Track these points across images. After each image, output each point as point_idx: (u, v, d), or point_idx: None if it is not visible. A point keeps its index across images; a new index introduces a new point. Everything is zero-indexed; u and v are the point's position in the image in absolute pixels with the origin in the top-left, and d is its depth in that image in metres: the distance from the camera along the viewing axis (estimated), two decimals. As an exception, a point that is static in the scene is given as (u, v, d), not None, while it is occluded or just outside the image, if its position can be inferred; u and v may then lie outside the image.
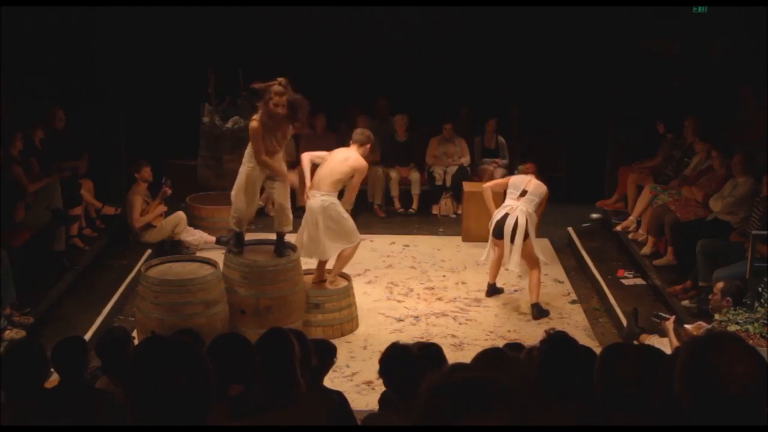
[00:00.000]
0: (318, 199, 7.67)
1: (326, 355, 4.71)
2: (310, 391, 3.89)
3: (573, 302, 8.68)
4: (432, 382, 1.82)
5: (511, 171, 11.77)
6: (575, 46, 11.62)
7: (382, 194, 11.41)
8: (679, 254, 8.63)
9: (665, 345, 6.11)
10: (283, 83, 7.10)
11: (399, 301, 8.55)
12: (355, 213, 8.05)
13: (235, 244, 7.69)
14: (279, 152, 7.41)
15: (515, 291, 8.87)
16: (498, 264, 8.57)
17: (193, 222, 10.03)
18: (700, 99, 10.44)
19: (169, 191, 9.80)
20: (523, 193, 8.24)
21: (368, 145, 7.91)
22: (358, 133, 7.97)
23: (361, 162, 7.74)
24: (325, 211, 7.66)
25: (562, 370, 3.35)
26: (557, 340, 3.61)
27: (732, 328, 6.24)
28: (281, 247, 7.68)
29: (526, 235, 8.09)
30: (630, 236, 9.79)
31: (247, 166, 7.38)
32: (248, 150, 7.38)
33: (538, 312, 8.23)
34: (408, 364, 4.16)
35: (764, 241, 7.29)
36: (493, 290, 8.69)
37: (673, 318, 6.67)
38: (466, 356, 6.07)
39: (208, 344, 3.43)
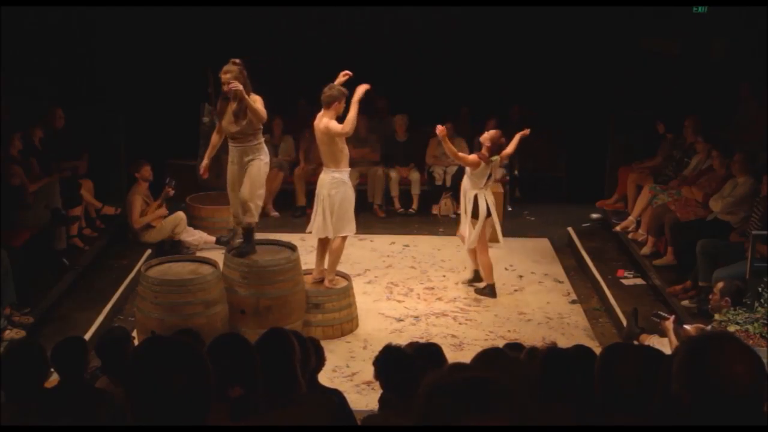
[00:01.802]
0: (329, 174, 7.71)
1: (318, 354, 4.72)
2: (310, 391, 3.90)
3: (573, 302, 8.68)
4: (432, 382, 1.82)
5: (510, 171, 11.80)
6: (575, 46, 11.62)
7: (382, 194, 11.41)
8: (679, 254, 8.62)
9: (665, 345, 6.11)
10: (236, 62, 7.40)
11: (399, 301, 8.55)
12: (355, 213, 8.02)
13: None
14: (236, 131, 7.39)
15: (515, 291, 8.88)
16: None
17: (193, 222, 10.03)
18: (700, 99, 10.44)
19: (172, 192, 9.80)
20: (489, 177, 8.50)
21: (336, 103, 7.53)
22: (323, 95, 7.60)
23: (329, 125, 7.52)
24: (331, 187, 7.68)
25: (563, 376, 3.34)
26: (557, 355, 3.59)
27: (732, 328, 6.24)
28: (243, 244, 7.68)
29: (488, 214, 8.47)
30: (630, 236, 9.79)
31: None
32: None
33: (490, 291, 8.58)
34: (403, 365, 4.16)
35: (764, 241, 7.29)
36: (477, 277, 8.82)
37: (672, 318, 6.66)
38: (466, 356, 6.07)
39: (208, 344, 3.43)
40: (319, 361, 4.75)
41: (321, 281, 7.96)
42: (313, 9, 11.43)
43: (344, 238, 7.91)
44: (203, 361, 2.10)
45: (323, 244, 7.98)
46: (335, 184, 7.68)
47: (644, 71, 11.08)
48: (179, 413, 2.02)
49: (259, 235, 8.64)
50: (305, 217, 9.17)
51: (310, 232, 8.07)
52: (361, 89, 7.61)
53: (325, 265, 8.00)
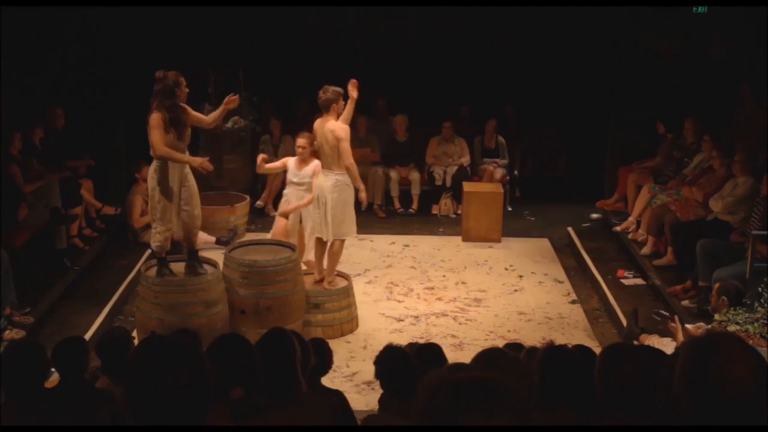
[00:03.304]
0: (331, 177, 7.67)
1: (324, 355, 4.71)
2: (311, 391, 3.90)
3: (573, 302, 8.68)
4: (432, 382, 1.82)
5: (510, 171, 11.81)
6: (575, 46, 11.62)
7: (382, 194, 11.41)
8: (679, 254, 8.63)
9: (665, 345, 6.10)
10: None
11: (399, 301, 8.55)
12: (355, 213, 8.02)
13: (164, 270, 7.20)
14: (184, 146, 6.97)
15: (515, 291, 8.88)
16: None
17: (193, 222, 10.01)
18: (700, 99, 10.44)
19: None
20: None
21: (334, 105, 7.55)
22: (320, 99, 7.59)
23: (338, 126, 7.54)
24: (334, 189, 7.66)
25: (562, 374, 3.34)
26: (555, 352, 3.59)
27: (732, 328, 6.23)
28: (193, 263, 7.26)
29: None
30: (630, 236, 9.79)
31: (154, 179, 6.90)
32: (152, 166, 6.93)
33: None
34: (404, 364, 4.17)
35: (764, 241, 7.29)
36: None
37: (676, 317, 6.65)
38: (466, 356, 6.07)
39: (208, 345, 3.43)
40: (326, 363, 4.74)
41: (322, 281, 7.97)
42: (313, 9, 11.43)
43: (343, 240, 7.92)
44: (202, 360, 2.10)
45: (321, 245, 7.97)
46: (338, 187, 7.68)
47: (644, 71, 11.08)
48: (179, 413, 2.02)
49: (259, 236, 8.65)
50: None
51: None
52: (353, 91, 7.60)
53: (325, 266, 8.01)
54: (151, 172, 6.94)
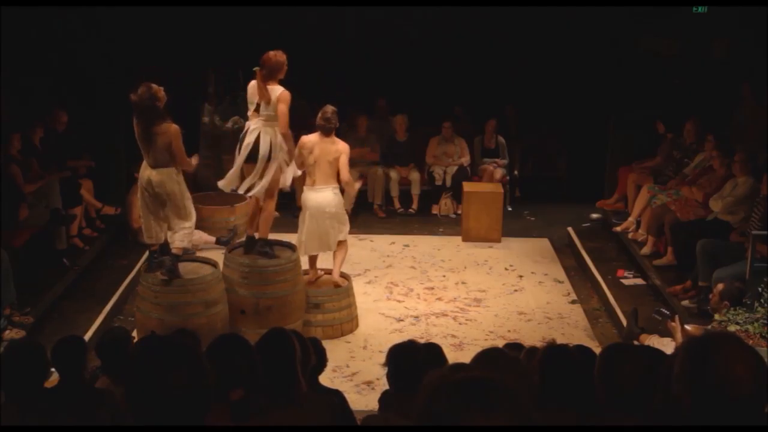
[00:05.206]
0: (330, 191, 7.69)
1: (320, 355, 4.72)
2: (310, 391, 3.90)
3: (573, 302, 8.68)
4: (432, 382, 1.82)
5: (510, 171, 11.81)
6: (575, 46, 11.62)
7: (382, 194, 11.41)
8: (679, 254, 8.63)
9: (665, 345, 6.10)
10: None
11: (399, 301, 8.55)
12: (355, 213, 8.05)
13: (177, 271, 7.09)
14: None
15: (515, 291, 8.88)
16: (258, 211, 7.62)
17: (193, 222, 10.02)
18: (700, 99, 10.44)
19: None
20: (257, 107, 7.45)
21: (336, 126, 7.78)
22: (327, 125, 7.64)
23: (343, 144, 7.74)
24: (334, 198, 7.72)
25: (562, 373, 3.34)
26: (555, 352, 3.59)
27: (732, 328, 6.23)
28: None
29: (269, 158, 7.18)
30: (630, 236, 9.79)
31: (181, 183, 7.04)
32: (168, 171, 7.06)
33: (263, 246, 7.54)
34: (414, 361, 4.18)
35: (764, 241, 7.30)
36: (250, 244, 7.62)
37: (677, 317, 6.66)
38: (466, 356, 6.07)
39: (208, 345, 3.43)
40: (321, 362, 4.76)
41: (315, 282, 7.98)
42: (313, 9, 11.43)
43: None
44: (201, 360, 2.10)
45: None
46: (336, 197, 7.74)
47: (644, 71, 11.08)
48: (179, 413, 2.02)
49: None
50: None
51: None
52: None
53: (318, 265, 8.07)
54: (171, 175, 7.00)
